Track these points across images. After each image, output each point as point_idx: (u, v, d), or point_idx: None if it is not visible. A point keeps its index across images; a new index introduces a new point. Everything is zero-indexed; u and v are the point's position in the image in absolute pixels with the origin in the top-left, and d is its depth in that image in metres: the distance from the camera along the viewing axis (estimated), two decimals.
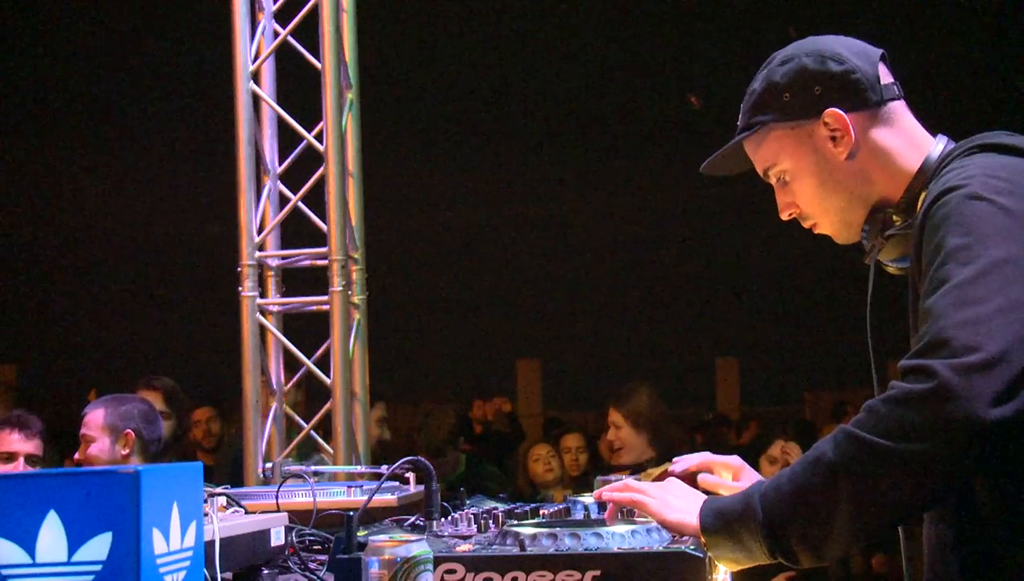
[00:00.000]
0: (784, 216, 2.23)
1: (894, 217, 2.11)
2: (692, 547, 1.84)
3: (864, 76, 2.11)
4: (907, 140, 2.13)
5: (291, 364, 5.27)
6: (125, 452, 4.52)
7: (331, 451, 5.02)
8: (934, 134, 2.16)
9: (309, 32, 5.10)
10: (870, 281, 2.19)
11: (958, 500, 1.96)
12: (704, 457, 2.33)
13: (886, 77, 2.14)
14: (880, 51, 2.16)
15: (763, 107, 2.16)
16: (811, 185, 2.15)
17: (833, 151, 2.12)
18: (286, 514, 2.19)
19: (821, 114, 2.11)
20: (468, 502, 2.61)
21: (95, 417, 4.60)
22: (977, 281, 1.81)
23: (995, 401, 1.73)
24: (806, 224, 2.22)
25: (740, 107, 2.23)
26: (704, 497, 1.97)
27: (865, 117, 2.11)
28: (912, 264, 2.01)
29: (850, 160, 2.12)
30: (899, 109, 2.15)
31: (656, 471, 5.07)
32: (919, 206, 2.05)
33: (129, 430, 4.54)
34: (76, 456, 4.67)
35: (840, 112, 2.10)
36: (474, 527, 2.15)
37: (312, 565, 2.11)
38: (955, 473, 1.78)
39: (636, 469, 5.19)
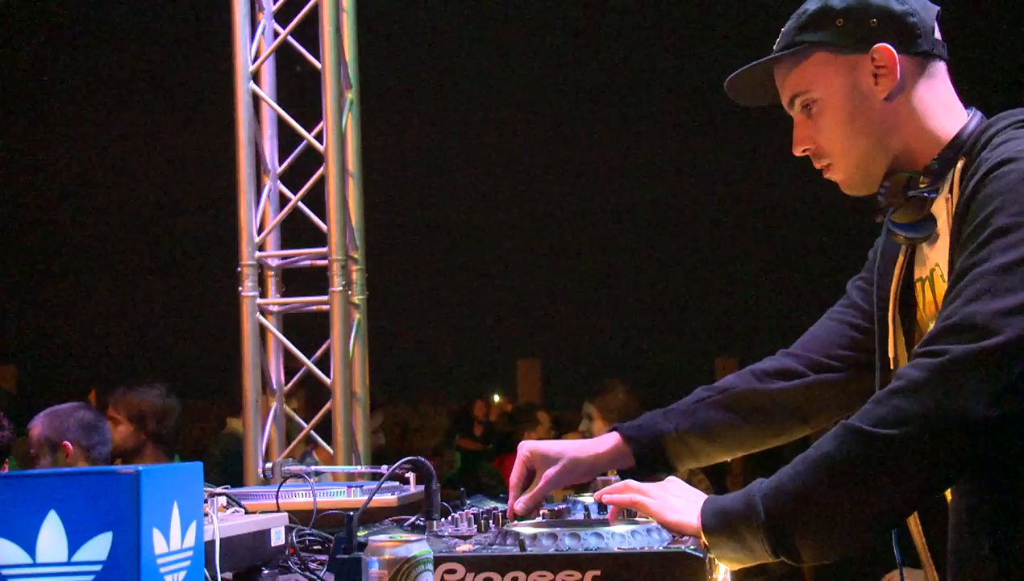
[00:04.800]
0: (798, 151, 2.15)
1: (921, 179, 2.05)
2: (692, 547, 1.84)
3: (921, 23, 2.06)
4: (944, 103, 2.08)
5: (291, 364, 5.27)
6: (67, 463, 4.49)
7: (331, 451, 5.02)
8: (966, 106, 2.12)
9: (309, 32, 5.10)
10: (881, 240, 2.15)
11: (997, 476, 1.90)
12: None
13: (937, 34, 2.10)
14: (937, 7, 2.11)
15: (813, 28, 2.09)
16: (840, 120, 2.09)
17: (873, 88, 2.06)
18: (286, 514, 2.19)
19: (871, 48, 2.05)
20: (468, 502, 2.61)
21: (33, 433, 4.61)
22: (1017, 268, 1.77)
23: (999, 396, 1.71)
24: (819, 164, 2.14)
25: (780, 29, 2.17)
26: (704, 497, 1.96)
27: (913, 63, 2.06)
28: (952, 233, 1.96)
29: (888, 101, 2.06)
30: (943, 69, 2.10)
31: None
32: (956, 176, 2.01)
33: (66, 442, 4.52)
34: None
35: (891, 49, 2.04)
36: (474, 527, 2.15)
37: (312, 565, 2.10)
38: (956, 464, 1.77)
39: None
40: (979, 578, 1.96)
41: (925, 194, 2.05)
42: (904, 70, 2.05)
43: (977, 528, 1.97)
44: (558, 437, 7.35)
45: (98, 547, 1.53)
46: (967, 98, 2.14)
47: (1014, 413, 1.73)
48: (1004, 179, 1.86)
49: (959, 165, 2.02)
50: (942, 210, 2.04)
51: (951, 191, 2.00)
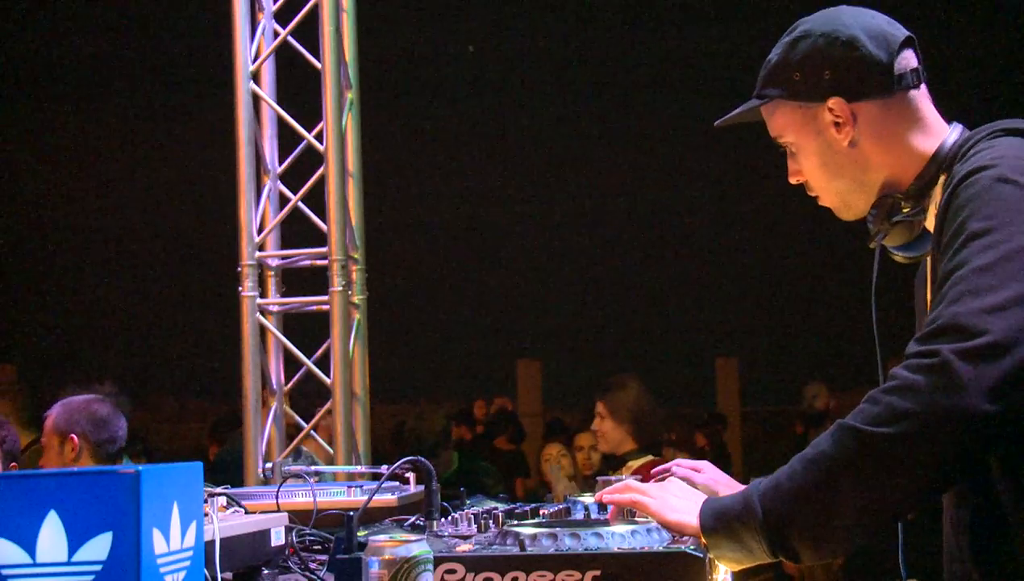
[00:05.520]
0: (792, 181, 2.22)
1: (903, 203, 2.09)
2: (692, 547, 1.84)
3: (877, 65, 2.08)
4: (919, 129, 2.11)
5: (291, 364, 5.27)
6: (72, 456, 4.47)
7: (331, 451, 5.02)
8: (949, 122, 2.14)
9: (309, 32, 5.10)
10: (875, 266, 2.18)
11: (976, 481, 1.94)
12: (675, 464, 2.42)
13: (905, 64, 2.10)
14: (904, 35, 2.12)
15: (773, 81, 2.15)
16: (814, 164, 2.15)
17: (836, 137, 2.11)
18: (286, 514, 2.19)
19: (827, 99, 2.09)
20: (468, 502, 2.61)
21: (47, 423, 4.59)
22: (995, 268, 1.80)
23: (995, 391, 1.72)
24: (810, 193, 2.21)
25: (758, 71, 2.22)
26: (704, 497, 1.97)
27: (873, 106, 2.09)
28: (933, 245, 1.99)
29: (852, 147, 2.10)
30: (915, 97, 2.11)
31: (636, 463, 5.12)
32: (937, 192, 2.05)
33: (73, 434, 4.50)
34: (40, 462, 4.66)
35: (844, 102, 2.08)
36: (474, 527, 2.15)
37: (312, 565, 2.11)
38: (954, 462, 1.78)
39: (618, 461, 5.25)
40: None
41: (908, 218, 2.09)
42: (865, 115, 2.09)
43: (961, 534, 2.00)
44: (561, 440, 7.36)
45: (98, 547, 1.53)
46: (974, 106, 2.16)
47: (1008, 410, 1.74)
48: (974, 187, 1.90)
49: (941, 179, 2.06)
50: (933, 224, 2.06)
51: (937, 206, 2.03)
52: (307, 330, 5.22)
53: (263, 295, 5.15)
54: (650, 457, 5.19)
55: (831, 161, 2.13)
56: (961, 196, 1.91)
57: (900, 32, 2.12)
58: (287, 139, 5.26)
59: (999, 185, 1.88)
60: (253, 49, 5.15)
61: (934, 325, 1.80)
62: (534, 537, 1.89)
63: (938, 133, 2.11)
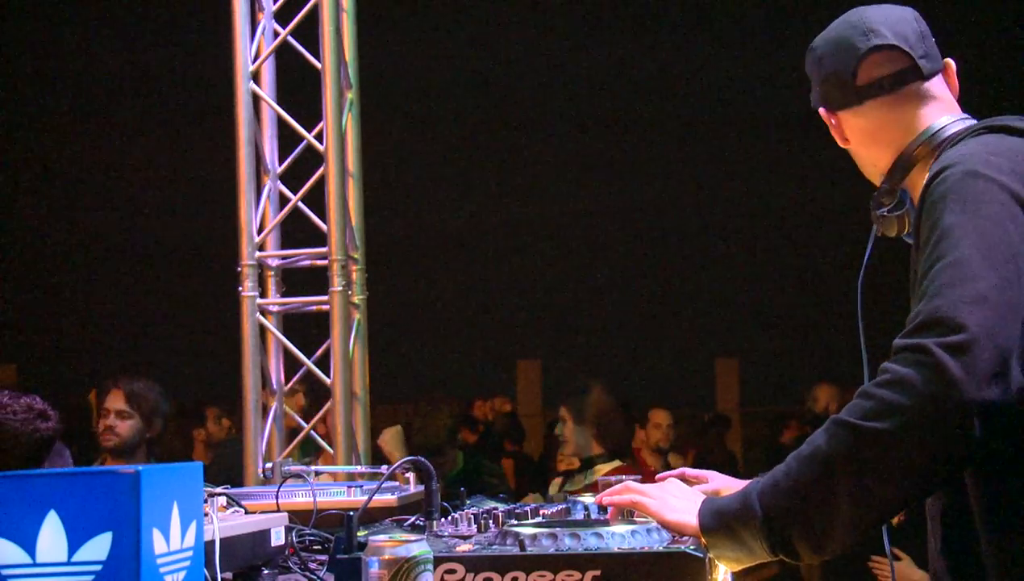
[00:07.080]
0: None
1: (884, 199, 2.20)
2: (692, 547, 1.84)
3: (839, 81, 2.18)
4: (900, 131, 2.17)
5: (291, 364, 5.27)
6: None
7: (331, 451, 5.02)
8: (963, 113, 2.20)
9: (309, 32, 5.10)
10: (868, 249, 2.26)
11: (967, 477, 1.96)
12: (680, 472, 2.42)
13: (869, 75, 2.15)
14: (871, 45, 2.15)
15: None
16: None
17: (836, 137, 2.28)
18: (286, 514, 2.19)
19: (819, 108, 2.28)
20: (468, 502, 2.61)
21: None
22: (971, 260, 1.83)
23: (986, 381, 1.74)
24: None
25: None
26: (704, 497, 1.97)
27: (847, 115, 2.22)
28: (913, 241, 2.06)
29: (849, 145, 2.26)
30: (889, 103, 2.17)
31: (605, 467, 5.14)
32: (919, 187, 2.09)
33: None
34: None
35: (825, 111, 2.25)
36: (474, 527, 2.15)
37: (312, 565, 2.11)
38: (950, 454, 1.78)
39: (584, 464, 5.28)
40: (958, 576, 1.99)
41: (886, 213, 2.19)
42: (844, 123, 2.24)
43: (935, 531, 2.04)
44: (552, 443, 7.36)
45: (98, 547, 1.53)
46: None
47: (997, 401, 1.75)
48: (944, 184, 1.96)
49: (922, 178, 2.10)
50: None
51: None
52: (307, 330, 5.22)
53: (263, 295, 5.15)
54: (618, 462, 5.21)
55: (851, 152, 2.29)
56: (934, 193, 1.96)
57: (877, 39, 2.15)
58: (287, 139, 5.26)
59: (968, 179, 1.93)
60: (253, 49, 5.15)
61: (917, 320, 1.83)
62: (534, 537, 1.89)
63: (917, 131, 2.16)
